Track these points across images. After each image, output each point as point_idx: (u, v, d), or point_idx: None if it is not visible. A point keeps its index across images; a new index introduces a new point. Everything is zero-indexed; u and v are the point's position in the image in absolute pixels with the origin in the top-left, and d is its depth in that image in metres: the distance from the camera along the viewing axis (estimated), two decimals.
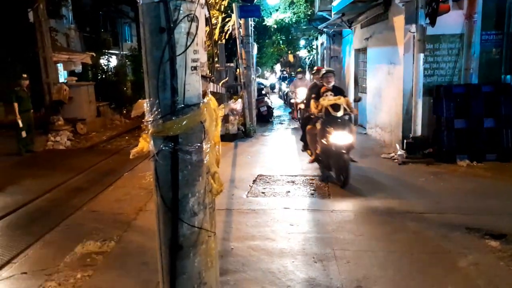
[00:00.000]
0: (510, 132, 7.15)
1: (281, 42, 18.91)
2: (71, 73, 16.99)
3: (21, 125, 9.21)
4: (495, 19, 7.27)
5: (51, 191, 6.49)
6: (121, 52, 26.18)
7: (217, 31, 12.68)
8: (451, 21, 7.17)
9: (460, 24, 7.33)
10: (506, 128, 7.14)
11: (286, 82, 21.83)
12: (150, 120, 1.88)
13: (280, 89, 25.84)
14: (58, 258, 4.01)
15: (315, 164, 7.11)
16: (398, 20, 7.82)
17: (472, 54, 7.34)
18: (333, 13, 11.89)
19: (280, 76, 31.85)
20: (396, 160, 7.40)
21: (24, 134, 9.29)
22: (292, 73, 26.95)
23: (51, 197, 6.28)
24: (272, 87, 30.66)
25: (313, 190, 5.99)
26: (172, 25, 1.79)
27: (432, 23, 6.54)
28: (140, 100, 1.94)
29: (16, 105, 9.20)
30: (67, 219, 5.17)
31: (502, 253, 3.83)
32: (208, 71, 2.62)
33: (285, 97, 19.36)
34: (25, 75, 9.92)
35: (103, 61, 19.36)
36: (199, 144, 1.95)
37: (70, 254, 4.08)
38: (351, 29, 11.98)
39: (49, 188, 6.59)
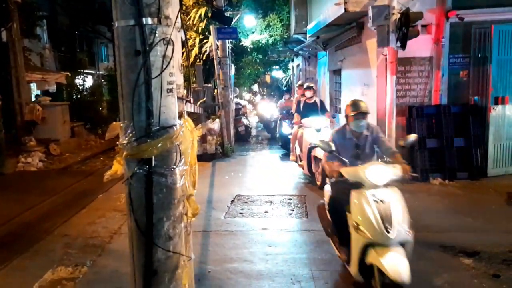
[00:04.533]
0: (480, 151, 7.40)
1: (257, 60, 19.09)
2: (45, 93, 16.65)
3: None
4: (462, 43, 7.60)
5: (21, 215, 6.24)
6: (97, 72, 25.88)
7: (194, 52, 12.76)
8: (421, 45, 7.45)
9: (429, 48, 7.62)
10: (475, 148, 7.39)
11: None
12: (124, 143, 1.86)
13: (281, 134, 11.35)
14: (26, 286, 3.83)
15: (293, 184, 7.07)
16: (371, 43, 8.06)
17: (441, 76, 7.64)
18: (308, 35, 12.19)
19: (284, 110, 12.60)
20: None
21: None
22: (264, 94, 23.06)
23: (21, 221, 6.03)
24: (268, 126, 15.45)
25: (291, 210, 5.99)
26: (147, 48, 1.80)
27: (403, 46, 6.76)
28: (114, 123, 1.92)
29: None
30: (37, 243, 4.97)
31: (475, 270, 3.91)
32: (184, 92, 2.62)
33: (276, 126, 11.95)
34: None
35: (78, 81, 19.09)
36: (174, 167, 1.93)
37: (39, 281, 3.90)
38: (326, 51, 12.27)
39: (19, 211, 6.34)
